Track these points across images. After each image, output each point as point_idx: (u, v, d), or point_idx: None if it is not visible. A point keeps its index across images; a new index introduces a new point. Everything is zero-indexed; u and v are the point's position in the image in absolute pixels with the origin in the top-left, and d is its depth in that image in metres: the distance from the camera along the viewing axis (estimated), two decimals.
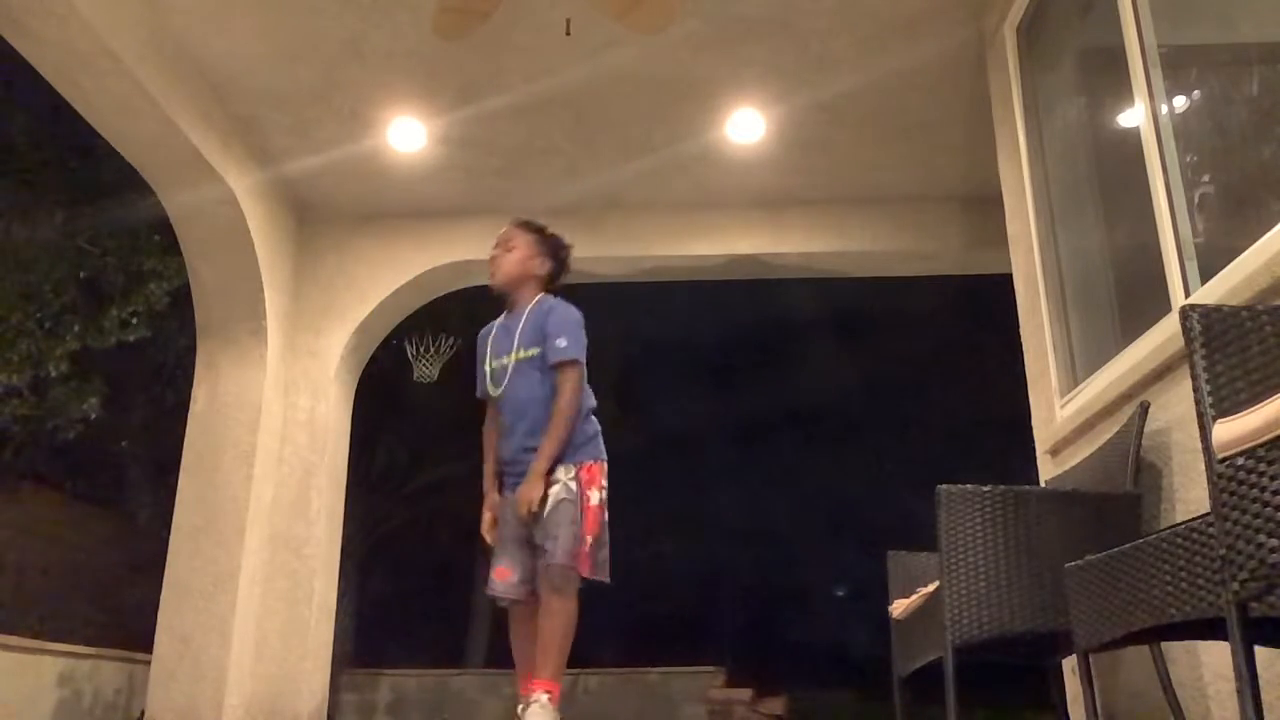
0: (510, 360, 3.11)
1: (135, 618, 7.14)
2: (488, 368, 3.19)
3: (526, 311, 3.15)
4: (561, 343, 3.03)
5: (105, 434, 9.11)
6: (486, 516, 3.11)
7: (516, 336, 3.12)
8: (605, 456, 3.11)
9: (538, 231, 3.28)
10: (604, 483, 3.05)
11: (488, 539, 3.09)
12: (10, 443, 8.31)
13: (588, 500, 2.95)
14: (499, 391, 3.12)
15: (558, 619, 2.82)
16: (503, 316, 3.26)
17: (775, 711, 9.57)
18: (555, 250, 3.27)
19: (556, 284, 3.28)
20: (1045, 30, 4.02)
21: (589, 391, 3.15)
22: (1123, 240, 3.53)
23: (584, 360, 3.06)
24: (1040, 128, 4.03)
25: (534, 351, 3.07)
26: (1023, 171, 4.01)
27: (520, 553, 2.99)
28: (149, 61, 4.36)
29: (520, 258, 3.21)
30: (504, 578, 2.99)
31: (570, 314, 3.12)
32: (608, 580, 2.97)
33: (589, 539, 2.91)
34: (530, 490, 2.90)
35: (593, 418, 3.14)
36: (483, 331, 3.31)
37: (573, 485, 2.95)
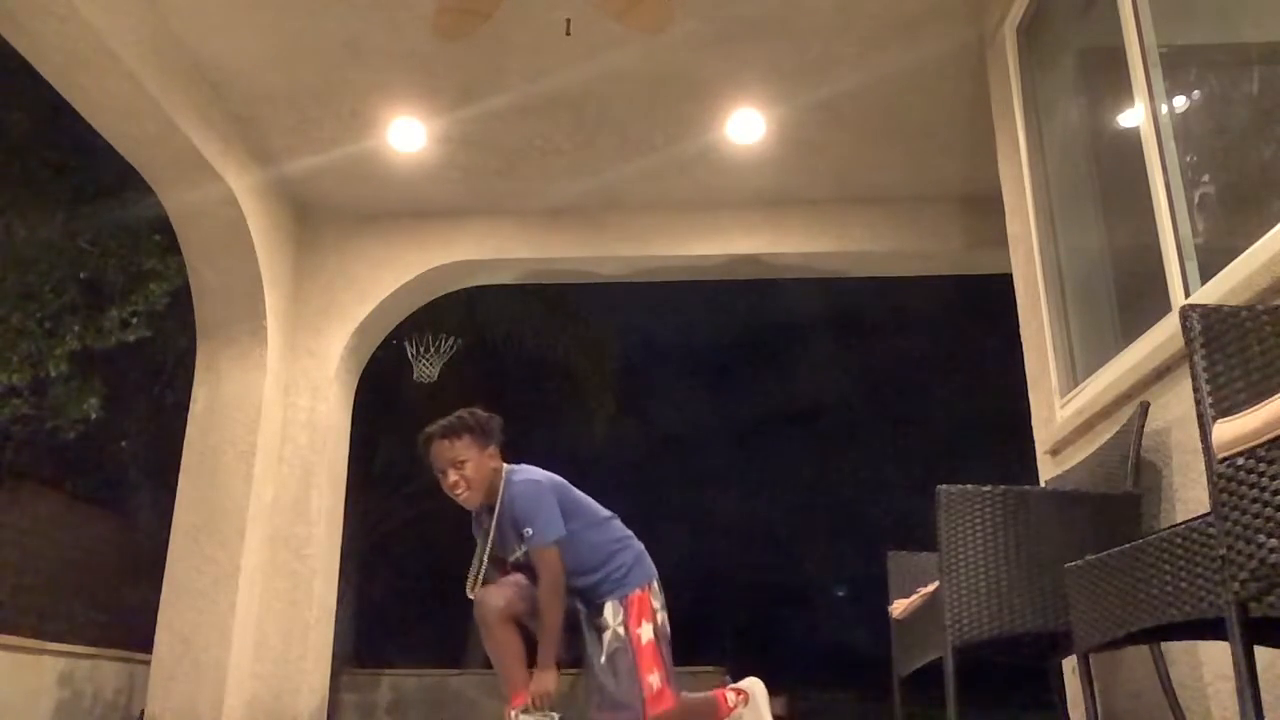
0: (518, 553, 3.06)
1: (135, 618, 7.13)
2: (503, 556, 3.12)
3: (498, 510, 3.03)
4: (528, 532, 2.96)
5: (105, 434, 9.09)
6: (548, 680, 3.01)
7: (510, 538, 3.05)
8: (652, 573, 3.13)
9: (468, 429, 3.05)
10: (655, 604, 3.08)
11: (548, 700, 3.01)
12: (10, 443, 8.31)
13: (638, 641, 2.99)
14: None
15: (704, 708, 3.06)
16: (483, 513, 3.14)
17: (775, 711, 9.56)
18: (491, 431, 3.09)
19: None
20: (1045, 30, 4.02)
21: (613, 524, 3.15)
22: (1122, 240, 3.53)
23: (556, 534, 2.98)
24: (1040, 128, 4.03)
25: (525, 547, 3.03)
26: (1023, 171, 4.01)
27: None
28: (149, 61, 4.36)
29: (476, 468, 3.02)
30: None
31: (527, 496, 3.01)
32: (677, 695, 3.03)
33: (648, 679, 2.96)
34: (547, 683, 2.90)
35: (627, 543, 3.15)
36: (474, 514, 3.19)
37: (621, 631, 2.99)
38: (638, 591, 3.07)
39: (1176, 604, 1.67)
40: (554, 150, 5.45)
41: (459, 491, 3.01)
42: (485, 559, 3.08)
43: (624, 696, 2.94)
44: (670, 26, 4.12)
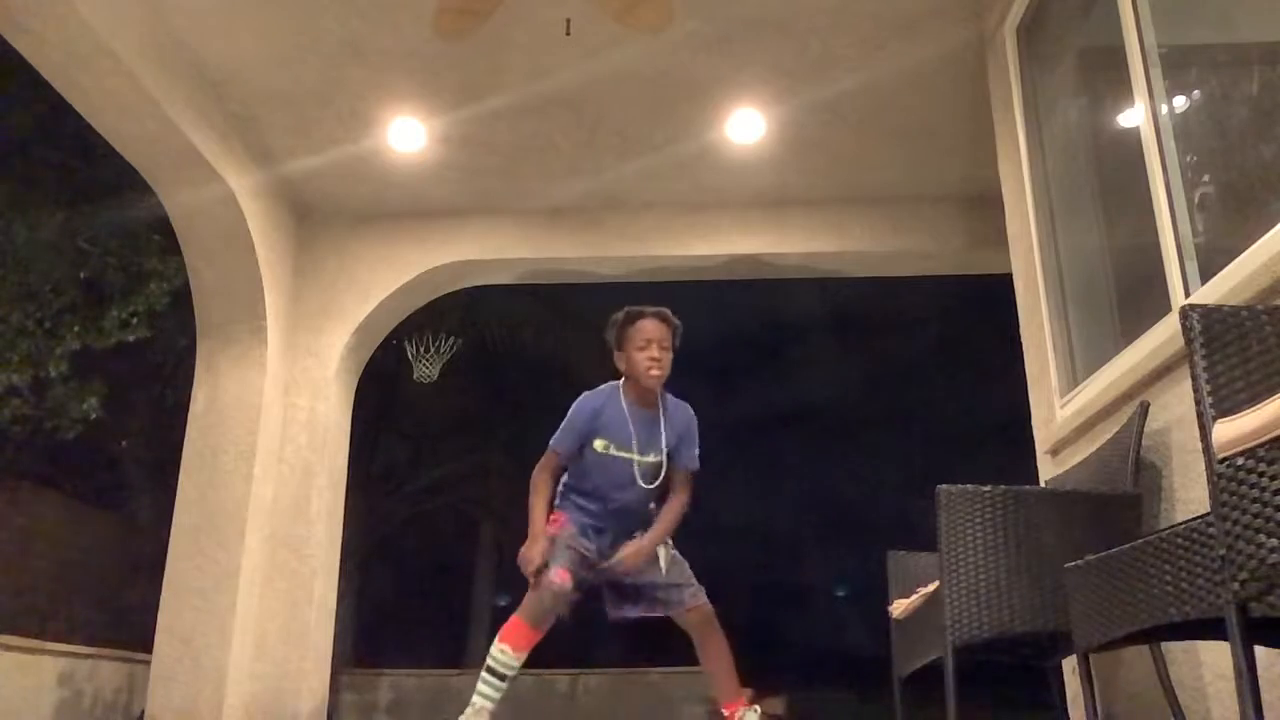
0: (660, 459, 3.26)
1: (135, 618, 7.15)
2: (639, 458, 3.23)
3: (664, 411, 3.27)
4: (695, 452, 3.31)
5: (105, 434, 9.10)
6: (537, 550, 3.13)
7: (664, 436, 3.25)
8: None
9: (677, 331, 3.31)
10: None
11: (530, 567, 3.12)
12: (10, 443, 8.31)
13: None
14: (646, 486, 3.25)
15: (726, 646, 3.29)
16: (623, 400, 3.26)
17: (775, 711, 9.56)
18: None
19: None
20: (1045, 31, 4.02)
21: None
22: (1123, 240, 3.53)
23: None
24: (1040, 128, 4.03)
25: (668, 454, 3.27)
26: (1023, 171, 4.01)
27: (581, 569, 3.19)
28: (149, 61, 4.36)
29: (670, 362, 3.27)
30: (564, 580, 3.10)
31: (696, 425, 3.34)
32: None
33: None
34: (640, 556, 3.19)
35: None
36: (600, 403, 3.26)
37: (670, 541, 3.31)
38: None
39: (1176, 604, 1.67)
40: (554, 150, 5.45)
41: (657, 369, 3.20)
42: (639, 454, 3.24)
43: (698, 590, 3.29)
44: (670, 26, 4.12)
